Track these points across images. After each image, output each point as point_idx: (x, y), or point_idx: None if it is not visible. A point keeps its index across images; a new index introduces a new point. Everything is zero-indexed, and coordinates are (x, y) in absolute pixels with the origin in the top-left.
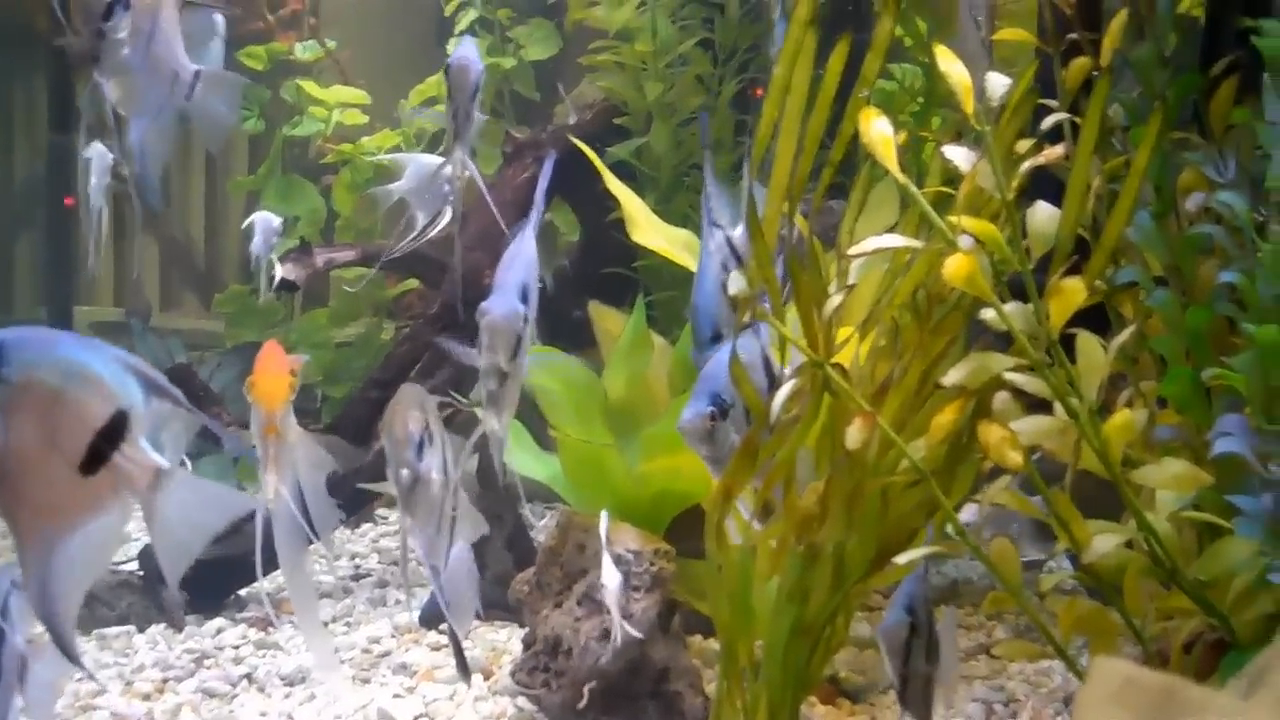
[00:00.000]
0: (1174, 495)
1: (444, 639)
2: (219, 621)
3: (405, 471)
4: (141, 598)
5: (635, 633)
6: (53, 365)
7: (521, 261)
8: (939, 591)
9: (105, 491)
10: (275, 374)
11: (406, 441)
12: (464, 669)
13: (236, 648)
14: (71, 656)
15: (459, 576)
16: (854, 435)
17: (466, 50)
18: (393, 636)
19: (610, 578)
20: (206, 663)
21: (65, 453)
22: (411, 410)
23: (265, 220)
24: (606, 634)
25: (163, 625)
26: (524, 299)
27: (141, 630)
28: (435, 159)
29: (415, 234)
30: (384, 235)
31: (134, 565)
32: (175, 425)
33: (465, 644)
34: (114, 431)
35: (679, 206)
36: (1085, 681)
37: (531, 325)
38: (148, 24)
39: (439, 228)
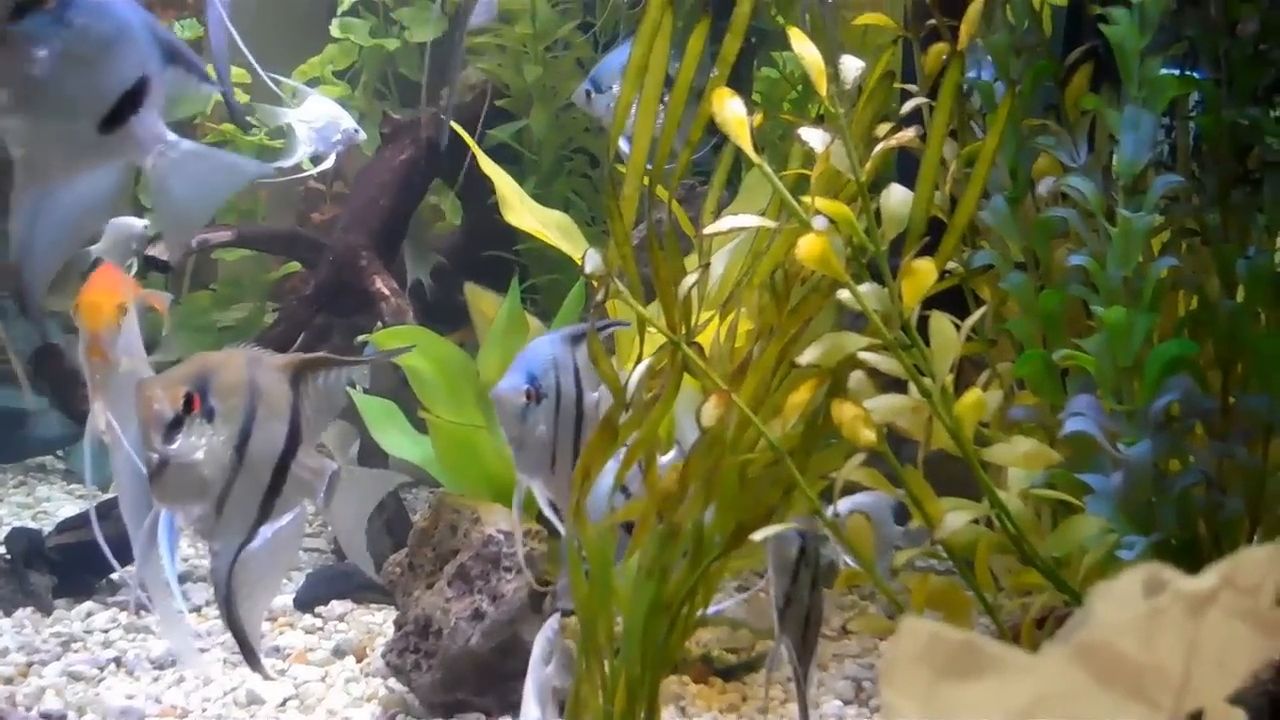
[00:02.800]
0: (1025, 473)
1: (319, 622)
2: (89, 605)
3: (153, 456)
4: (8, 581)
5: None
6: (108, 18)
7: None
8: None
9: (111, 152)
10: (101, 292)
11: (152, 423)
12: (253, 658)
13: (106, 631)
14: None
15: (259, 559)
16: (709, 413)
17: None
18: (267, 619)
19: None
20: (74, 646)
21: (93, 105)
22: (160, 387)
23: (121, 226)
24: (477, 614)
25: (30, 609)
26: None
27: (8, 614)
28: (339, 108)
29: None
30: (267, 218)
31: (0, 549)
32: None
33: (339, 626)
34: (136, 95)
35: (560, 190)
36: (891, 640)
37: None
38: None
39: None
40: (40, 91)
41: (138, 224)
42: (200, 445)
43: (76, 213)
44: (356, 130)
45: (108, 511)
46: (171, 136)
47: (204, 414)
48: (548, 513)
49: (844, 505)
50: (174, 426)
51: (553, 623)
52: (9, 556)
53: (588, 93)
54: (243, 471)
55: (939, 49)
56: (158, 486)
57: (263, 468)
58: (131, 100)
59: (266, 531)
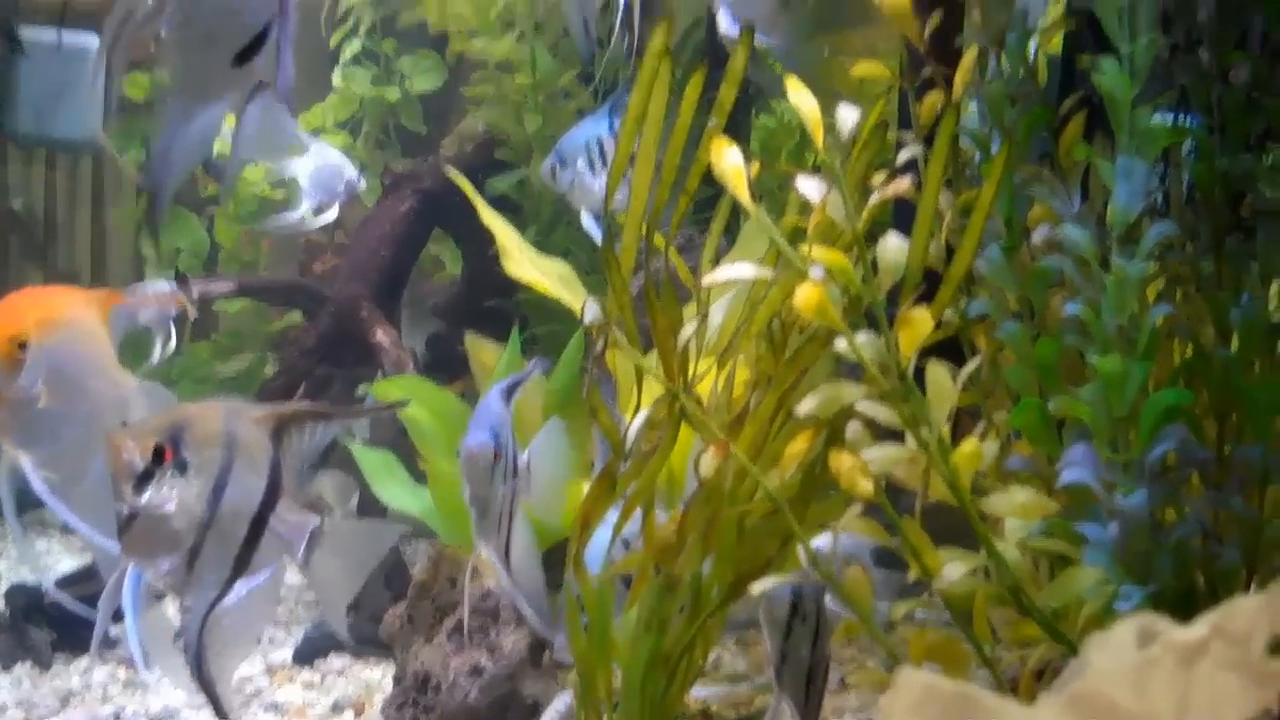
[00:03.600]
0: (1022, 524)
1: (318, 676)
2: (88, 660)
3: (122, 508)
4: (8, 636)
5: None
6: None
7: None
8: None
9: (235, 85)
10: None
11: (121, 474)
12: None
13: (105, 686)
14: None
15: (233, 616)
16: (708, 463)
17: None
18: (266, 674)
19: None
20: (73, 701)
21: (234, 39)
22: (131, 437)
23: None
24: (476, 669)
25: (29, 664)
26: None
27: (6, 670)
28: (340, 156)
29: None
30: (269, 269)
31: None
32: None
33: (338, 681)
34: (262, 37)
35: (559, 240)
36: (888, 691)
37: None
38: None
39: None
40: (202, 17)
41: (165, 287)
42: (171, 498)
43: (200, 135)
44: (358, 178)
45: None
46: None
47: (176, 466)
48: (504, 581)
49: (822, 542)
50: (144, 478)
51: (566, 699)
52: (8, 611)
53: (553, 168)
54: (216, 526)
55: (934, 98)
56: (126, 539)
57: (238, 522)
58: (258, 42)
59: (241, 588)
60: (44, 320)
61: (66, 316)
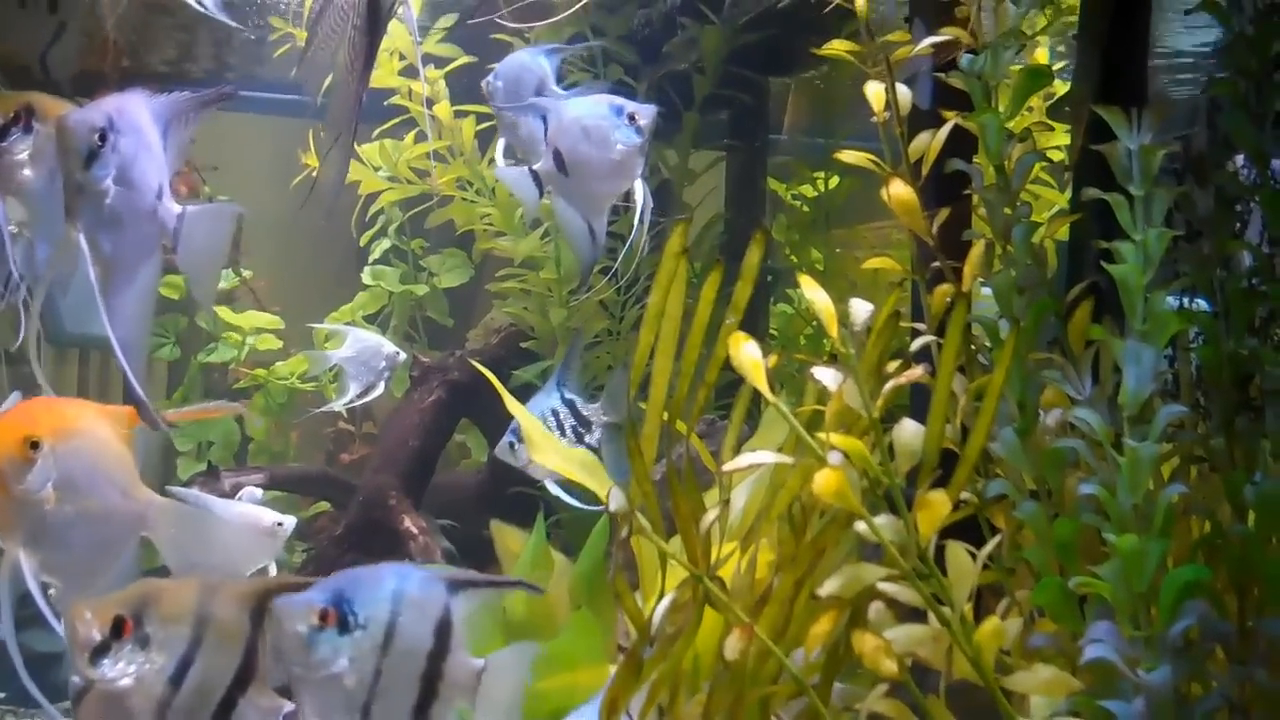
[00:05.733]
0: (1048, 701)
1: None
2: None
3: (75, 679)
4: None
5: None
6: None
7: None
8: None
9: None
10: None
11: (77, 645)
12: None
13: None
14: None
15: None
16: (732, 646)
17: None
18: None
19: None
20: None
21: None
22: (91, 607)
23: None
24: None
25: None
26: None
27: None
28: (377, 336)
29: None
30: (297, 459)
31: None
32: None
33: None
34: None
35: None
36: None
37: None
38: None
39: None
40: None
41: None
42: (128, 673)
43: None
44: (398, 353)
45: None
46: None
47: (137, 640)
48: None
49: None
50: (100, 650)
51: None
52: None
53: (511, 444)
54: (178, 706)
55: (944, 290)
56: (79, 713)
57: (204, 704)
58: None
59: None
60: (59, 425)
61: (81, 425)
